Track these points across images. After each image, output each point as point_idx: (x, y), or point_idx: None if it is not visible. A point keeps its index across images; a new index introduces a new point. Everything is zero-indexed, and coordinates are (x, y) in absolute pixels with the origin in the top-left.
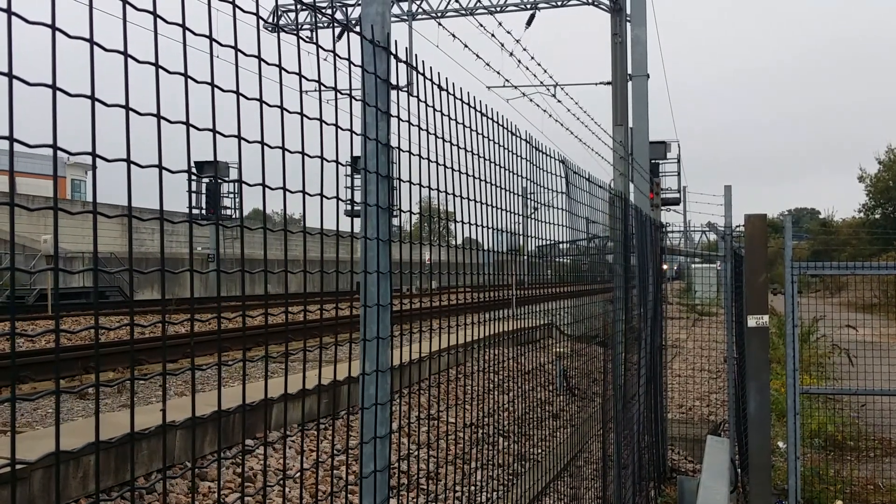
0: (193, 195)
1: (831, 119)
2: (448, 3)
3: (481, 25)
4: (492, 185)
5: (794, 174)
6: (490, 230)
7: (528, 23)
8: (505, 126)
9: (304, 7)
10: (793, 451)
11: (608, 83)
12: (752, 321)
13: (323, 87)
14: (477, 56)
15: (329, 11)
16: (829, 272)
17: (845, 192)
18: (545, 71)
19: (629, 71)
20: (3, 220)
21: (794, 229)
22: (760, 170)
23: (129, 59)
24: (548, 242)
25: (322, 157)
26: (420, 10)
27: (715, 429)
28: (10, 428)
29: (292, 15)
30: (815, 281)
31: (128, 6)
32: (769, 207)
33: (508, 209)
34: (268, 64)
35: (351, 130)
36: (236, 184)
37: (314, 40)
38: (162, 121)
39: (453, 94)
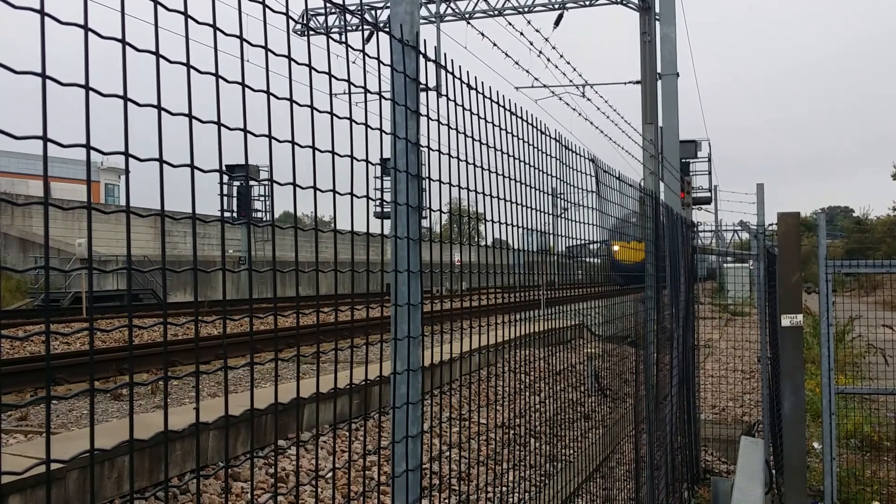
0: (225, 198)
1: (865, 116)
2: (476, 4)
3: (510, 24)
4: (521, 184)
5: (828, 172)
6: (520, 229)
7: (557, 23)
8: (534, 124)
9: (333, 8)
10: (828, 452)
11: (637, 82)
12: (785, 321)
13: (353, 87)
14: (506, 54)
15: (358, 12)
16: (863, 271)
17: (880, 189)
18: (574, 70)
19: (658, 69)
20: (39, 223)
21: (827, 227)
22: (793, 168)
23: (161, 60)
24: (578, 242)
25: (352, 157)
26: (448, 11)
27: (749, 429)
28: (45, 428)
29: (321, 19)
30: (850, 280)
31: (159, 7)
32: (802, 206)
33: (538, 208)
34: (298, 63)
35: (381, 130)
36: (267, 184)
37: (343, 41)
38: (194, 124)
39: (481, 93)
